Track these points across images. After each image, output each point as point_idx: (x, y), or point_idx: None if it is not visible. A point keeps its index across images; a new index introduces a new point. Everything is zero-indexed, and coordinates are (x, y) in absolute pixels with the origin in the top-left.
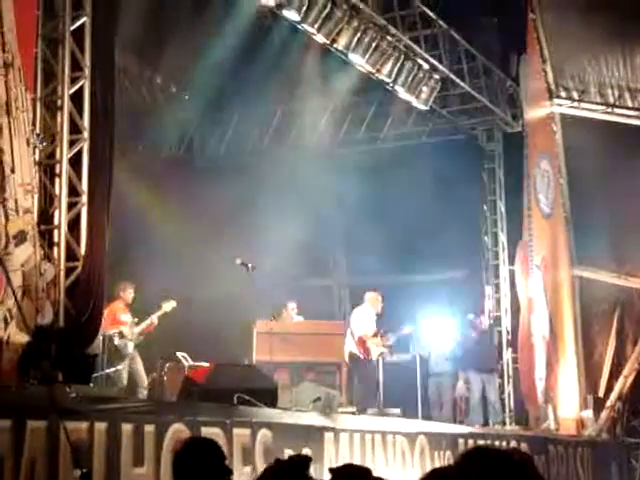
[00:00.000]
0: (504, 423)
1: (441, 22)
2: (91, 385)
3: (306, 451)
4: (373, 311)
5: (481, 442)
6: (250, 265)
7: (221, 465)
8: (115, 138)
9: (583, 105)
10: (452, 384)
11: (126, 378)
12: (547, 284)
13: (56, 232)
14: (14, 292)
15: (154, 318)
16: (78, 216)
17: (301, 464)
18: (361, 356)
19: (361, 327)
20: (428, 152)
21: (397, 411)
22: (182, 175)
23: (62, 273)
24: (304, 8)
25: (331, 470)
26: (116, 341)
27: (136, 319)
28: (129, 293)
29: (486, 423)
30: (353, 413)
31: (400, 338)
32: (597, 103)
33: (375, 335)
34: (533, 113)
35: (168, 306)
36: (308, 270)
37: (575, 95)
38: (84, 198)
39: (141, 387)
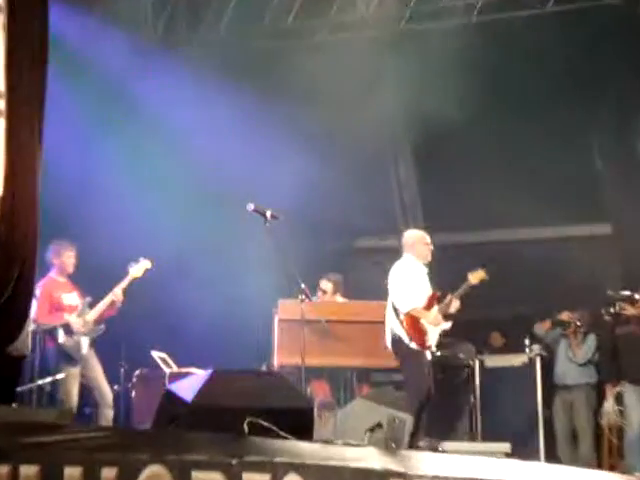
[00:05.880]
0: None
1: None
2: (14, 406)
3: None
4: (420, 264)
5: None
6: (269, 213)
7: None
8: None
9: None
10: (593, 404)
11: (76, 394)
12: None
13: None
14: None
15: (117, 292)
16: None
17: None
18: (412, 344)
19: (407, 296)
20: (553, 28)
21: (505, 446)
22: (159, 68)
23: None
24: None
25: None
26: (60, 338)
27: (88, 298)
28: (68, 257)
29: None
30: (434, 449)
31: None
32: None
33: (431, 304)
34: None
35: (139, 269)
36: (364, 226)
37: None
38: (0, 104)
39: (104, 406)
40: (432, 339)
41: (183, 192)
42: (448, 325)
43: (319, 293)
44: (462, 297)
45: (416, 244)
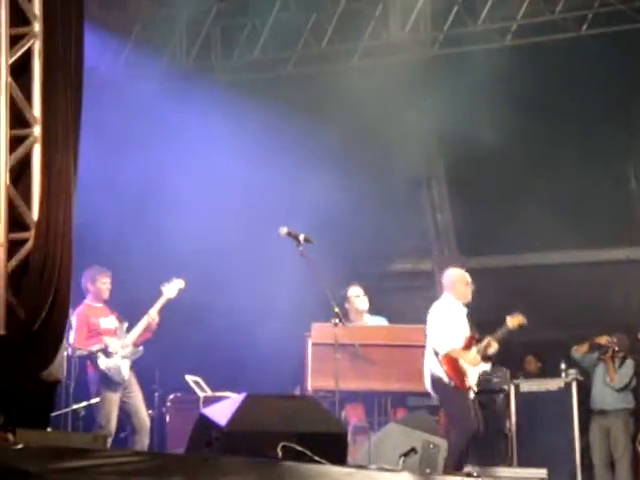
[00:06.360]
0: None
1: None
2: (49, 430)
3: None
4: (459, 304)
5: None
6: (302, 237)
7: None
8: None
9: None
10: (630, 430)
11: (115, 419)
12: None
13: None
14: None
15: (152, 313)
16: (27, 158)
17: None
18: (451, 383)
19: (445, 337)
20: (588, 51)
21: (542, 472)
22: (191, 92)
23: (2, 250)
24: None
25: None
26: (102, 364)
27: (126, 323)
28: (103, 283)
29: None
30: (469, 475)
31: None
32: None
33: (469, 345)
34: None
35: (172, 289)
36: (397, 249)
37: None
38: (36, 130)
39: (142, 432)
40: (472, 380)
41: (215, 217)
42: (487, 366)
43: (349, 303)
44: (500, 340)
45: (456, 284)
